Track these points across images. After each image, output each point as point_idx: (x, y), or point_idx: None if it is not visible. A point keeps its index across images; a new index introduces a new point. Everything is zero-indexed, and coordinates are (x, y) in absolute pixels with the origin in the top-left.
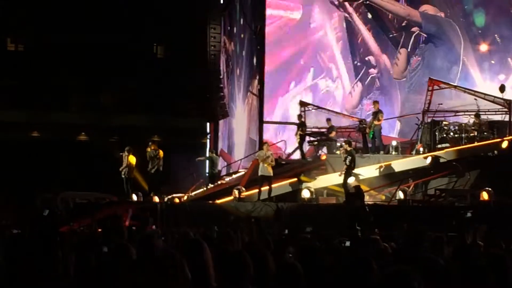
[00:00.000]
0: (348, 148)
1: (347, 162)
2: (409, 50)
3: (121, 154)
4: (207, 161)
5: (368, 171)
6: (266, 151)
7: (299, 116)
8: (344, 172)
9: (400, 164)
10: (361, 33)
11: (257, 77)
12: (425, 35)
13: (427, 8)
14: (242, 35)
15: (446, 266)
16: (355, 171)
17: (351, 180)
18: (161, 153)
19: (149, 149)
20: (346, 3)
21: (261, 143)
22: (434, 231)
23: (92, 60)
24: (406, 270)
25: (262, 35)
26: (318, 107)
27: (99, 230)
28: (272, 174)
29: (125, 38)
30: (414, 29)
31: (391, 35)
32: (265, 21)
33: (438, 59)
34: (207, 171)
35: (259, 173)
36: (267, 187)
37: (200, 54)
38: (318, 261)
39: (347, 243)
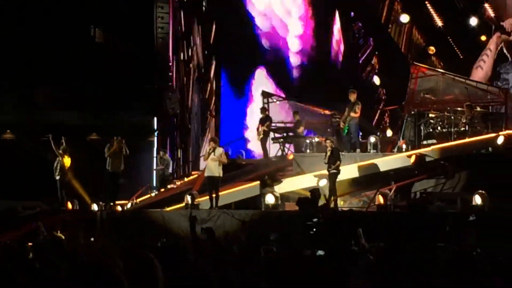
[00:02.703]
0: (332, 145)
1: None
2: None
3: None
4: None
5: (342, 172)
6: (213, 147)
7: (263, 109)
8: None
9: (380, 164)
10: None
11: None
12: None
13: None
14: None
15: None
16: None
17: (323, 183)
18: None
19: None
20: None
21: None
22: (419, 240)
23: (20, 50)
24: None
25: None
26: (284, 98)
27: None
28: (217, 175)
29: (57, 22)
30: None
31: None
32: None
33: None
34: (154, 174)
35: (205, 174)
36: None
37: (146, 38)
38: (285, 274)
39: (320, 252)
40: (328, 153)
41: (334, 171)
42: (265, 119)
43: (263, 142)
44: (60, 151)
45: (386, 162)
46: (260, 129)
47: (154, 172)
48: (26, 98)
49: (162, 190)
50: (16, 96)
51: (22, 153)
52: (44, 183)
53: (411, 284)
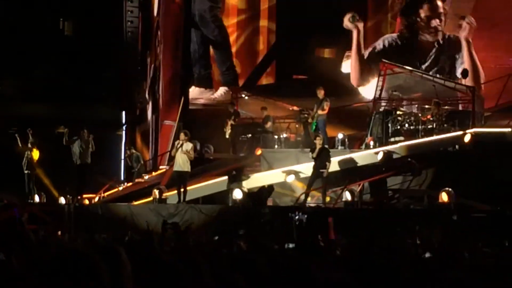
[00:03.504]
0: (321, 143)
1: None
2: None
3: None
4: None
5: (310, 168)
6: (181, 141)
7: (231, 104)
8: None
9: (348, 161)
10: None
11: None
12: None
13: None
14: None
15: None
16: (296, 168)
17: (290, 179)
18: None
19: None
20: None
21: None
22: (387, 237)
23: None
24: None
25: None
26: (253, 94)
27: None
28: (186, 169)
29: (26, 14)
30: None
31: None
32: None
33: None
34: (122, 168)
35: (173, 168)
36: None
37: (115, 31)
38: (256, 270)
39: (290, 245)
40: (317, 150)
41: (323, 171)
42: (233, 114)
43: (232, 137)
44: (29, 145)
45: (354, 159)
46: (228, 124)
47: (135, 173)
48: None
49: (130, 184)
50: None
51: None
52: (9, 175)
53: (379, 278)
